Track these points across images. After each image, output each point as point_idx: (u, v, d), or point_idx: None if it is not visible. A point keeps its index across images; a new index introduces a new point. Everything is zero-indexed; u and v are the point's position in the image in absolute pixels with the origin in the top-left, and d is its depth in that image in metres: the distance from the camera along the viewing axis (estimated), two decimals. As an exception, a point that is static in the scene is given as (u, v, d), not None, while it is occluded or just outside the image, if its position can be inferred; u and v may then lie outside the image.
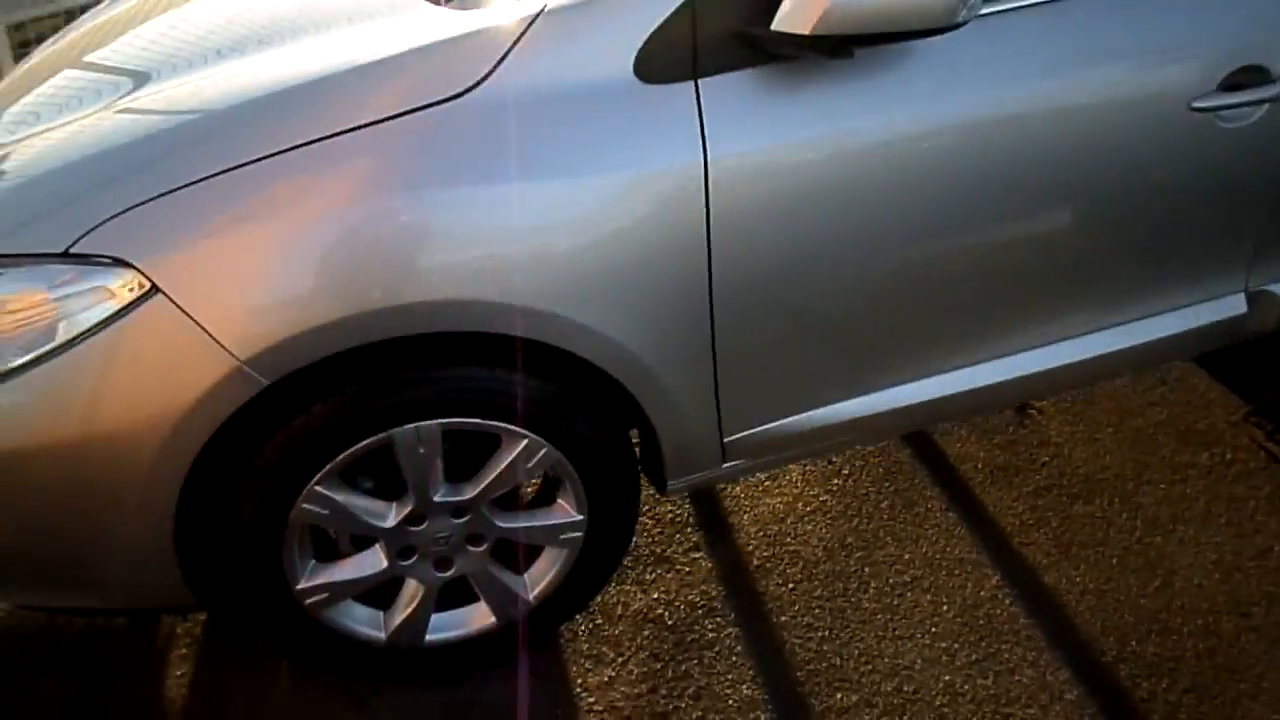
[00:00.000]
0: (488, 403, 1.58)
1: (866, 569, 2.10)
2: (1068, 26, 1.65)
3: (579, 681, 1.88)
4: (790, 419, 1.82)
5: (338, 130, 1.42)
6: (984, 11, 1.59)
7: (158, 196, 1.38)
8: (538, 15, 1.47)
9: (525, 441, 1.63)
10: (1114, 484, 2.35)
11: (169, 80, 1.65)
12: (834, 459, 2.41)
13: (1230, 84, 1.74)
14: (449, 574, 1.76)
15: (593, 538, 1.80)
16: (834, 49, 1.44)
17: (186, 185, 1.39)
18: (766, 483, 2.34)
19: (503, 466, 1.65)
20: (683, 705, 1.83)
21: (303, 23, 1.74)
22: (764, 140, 1.52)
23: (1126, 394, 2.67)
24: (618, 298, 1.53)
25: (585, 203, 1.48)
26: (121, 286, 1.37)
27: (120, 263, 1.36)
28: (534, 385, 1.59)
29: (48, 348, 1.38)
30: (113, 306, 1.37)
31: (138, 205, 1.38)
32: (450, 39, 1.48)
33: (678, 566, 2.11)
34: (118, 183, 1.40)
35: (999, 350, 1.90)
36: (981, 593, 2.04)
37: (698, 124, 1.49)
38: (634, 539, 2.14)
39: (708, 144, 1.49)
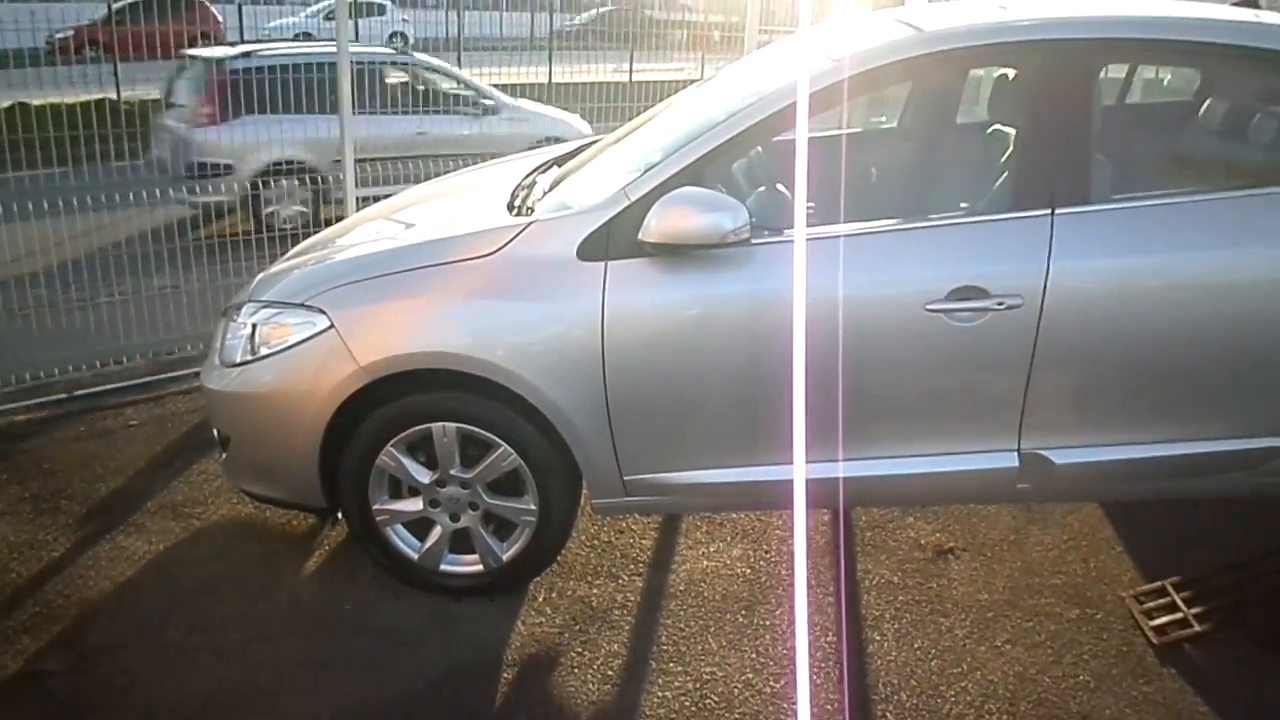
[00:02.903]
0: (484, 419, 2.89)
1: (740, 615, 3.05)
2: (833, 249, 2.73)
3: (524, 617, 3.02)
4: (676, 474, 2.92)
5: (435, 264, 2.89)
6: (757, 241, 2.73)
7: (346, 284, 2.92)
8: (531, 223, 2.88)
9: (502, 448, 2.91)
10: (976, 609, 3.08)
11: (385, 235, 3.25)
12: (768, 544, 3.37)
13: (956, 296, 2.69)
14: (457, 525, 3.03)
15: (542, 525, 2.99)
16: (669, 252, 2.69)
17: (361, 280, 2.92)
18: (705, 540, 3.35)
19: (489, 461, 2.93)
20: (577, 646, 2.90)
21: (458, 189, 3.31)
22: (637, 295, 2.77)
23: (1042, 551, 3.35)
24: (554, 369, 2.80)
25: (543, 316, 2.81)
26: (320, 322, 2.90)
27: (321, 311, 2.90)
28: (509, 414, 2.88)
29: (284, 345, 2.93)
30: (312, 330, 2.90)
31: (337, 287, 2.92)
32: (490, 228, 2.93)
33: (619, 580, 3.20)
34: (339, 278, 2.97)
35: (831, 454, 2.84)
36: (817, 648, 2.90)
37: (603, 283, 2.77)
38: (600, 562, 3.27)
39: (606, 293, 2.77)
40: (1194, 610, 3.02)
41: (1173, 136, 3.68)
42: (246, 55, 7.43)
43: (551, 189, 3.26)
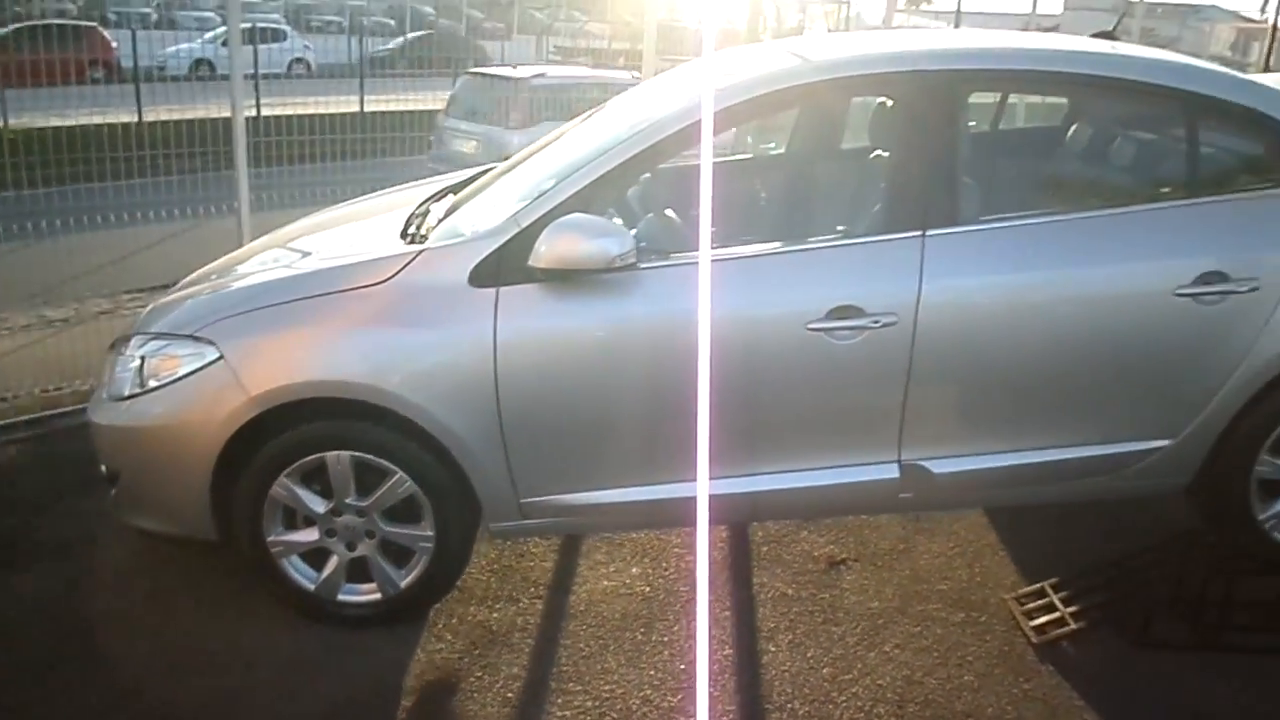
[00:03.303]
0: (378, 446, 2.89)
1: (639, 633, 3.10)
2: (721, 272, 2.83)
3: (423, 644, 3.02)
4: (571, 495, 2.96)
5: (326, 293, 2.89)
6: (645, 266, 2.81)
7: (236, 315, 2.90)
8: (423, 250, 2.91)
9: (398, 475, 2.91)
10: (866, 617, 3.18)
11: (279, 264, 3.24)
12: (667, 561, 3.43)
13: (834, 315, 2.81)
14: (354, 554, 3.02)
15: (439, 551, 3.00)
16: (559, 277, 2.75)
17: (251, 310, 2.90)
18: (605, 560, 3.40)
19: (385, 489, 2.93)
20: (477, 671, 2.91)
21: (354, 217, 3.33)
22: (529, 320, 2.81)
23: (930, 559, 3.48)
24: (448, 395, 2.82)
25: (436, 342, 2.83)
26: (209, 353, 2.87)
27: (210, 342, 2.87)
28: (404, 441, 2.89)
29: (173, 377, 2.90)
30: (202, 362, 2.87)
31: (227, 318, 2.90)
32: (382, 256, 2.94)
33: (520, 603, 3.22)
34: (229, 309, 2.94)
35: (724, 471, 2.91)
36: (714, 662, 2.96)
37: (495, 309, 2.81)
38: (501, 586, 3.29)
39: (498, 319, 2.80)
40: (1070, 609, 3.17)
41: (1040, 160, 3.88)
42: (541, 75, 10.16)
43: (445, 216, 3.30)
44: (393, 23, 18.14)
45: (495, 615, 3.16)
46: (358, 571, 3.06)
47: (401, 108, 9.47)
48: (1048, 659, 3.02)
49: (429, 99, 10.44)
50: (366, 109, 10.02)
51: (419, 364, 2.84)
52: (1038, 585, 3.31)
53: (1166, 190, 3.20)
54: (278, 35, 16.63)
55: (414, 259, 2.90)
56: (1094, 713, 2.81)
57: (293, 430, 2.89)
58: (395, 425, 2.87)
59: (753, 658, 2.99)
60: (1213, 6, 39.77)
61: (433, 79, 11.37)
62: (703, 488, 2.90)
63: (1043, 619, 3.16)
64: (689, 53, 11.39)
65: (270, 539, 3.00)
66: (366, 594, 3.07)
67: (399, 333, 2.85)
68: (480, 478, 2.91)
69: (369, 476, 2.95)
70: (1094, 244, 2.97)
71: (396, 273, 2.88)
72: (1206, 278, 2.91)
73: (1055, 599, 3.23)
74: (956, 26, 20.98)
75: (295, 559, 3.05)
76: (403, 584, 3.04)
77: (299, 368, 2.85)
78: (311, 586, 3.05)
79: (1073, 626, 3.11)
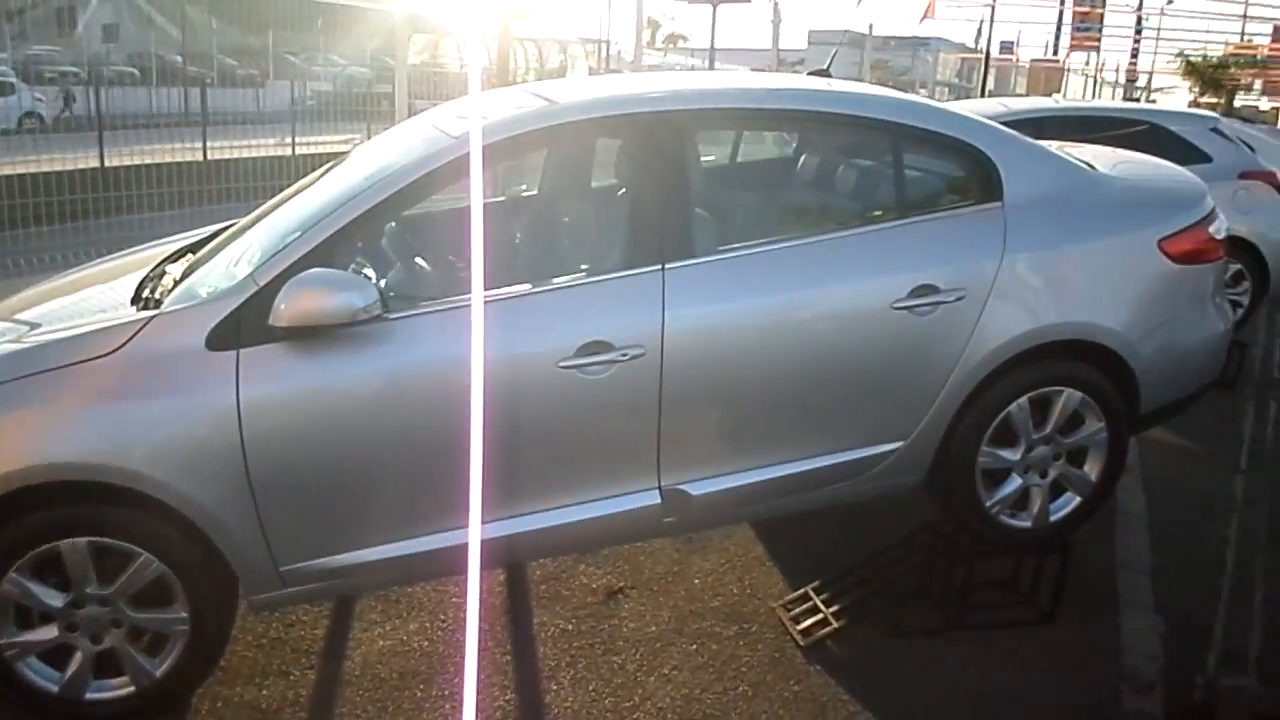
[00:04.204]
0: (118, 528, 2.71)
1: (419, 690, 3.04)
2: (467, 320, 2.84)
3: (185, 735, 2.85)
4: (334, 557, 2.87)
5: (50, 368, 2.69)
6: (394, 316, 2.80)
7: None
8: (155, 316, 2.77)
9: (144, 557, 2.74)
10: (645, 642, 3.25)
11: (3, 338, 2.98)
12: (445, 614, 3.38)
13: (584, 351, 2.88)
14: (100, 647, 2.80)
15: (196, 632, 2.83)
16: (303, 335, 2.68)
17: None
18: (380, 619, 3.32)
19: (130, 573, 2.75)
20: (245, 753, 2.77)
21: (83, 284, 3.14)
22: (274, 382, 2.73)
23: (703, 577, 3.60)
24: (192, 468, 2.68)
25: (175, 413, 2.69)
26: None
27: None
28: (147, 519, 2.72)
29: None
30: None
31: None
32: (110, 325, 2.78)
33: (290, 676, 3.10)
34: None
35: (492, 515, 2.91)
36: (496, 709, 2.94)
37: (236, 372, 2.71)
38: (269, 660, 3.15)
39: (241, 383, 2.70)
40: (832, 609, 3.37)
41: (773, 191, 4.14)
42: None
43: (183, 278, 3.15)
44: (137, 72, 17.15)
45: (264, 693, 3.01)
46: (107, 665, 2.85)
47: (151, 160, 8.99)
48: (815, 659, 3.19)
49: (182, 151, 9.91)
50: (110, 164, 9.41)
51: (158, 437, 2.68)
52: (802, 590, 3.50)
53: (880, 213, 3.48)
54: (4, 88, 15.29)
55: (144, 326, 2.75)
56: (860, 704, 3.00)
57: (18, 520, 2.66)
58: (135, 503, 2.70)
59: (536, 699, 2.99)
60: (939, 39, 43.85)
61: (181, 129, 10.79)
62: (475, 533, 2.89)
63: (808, 621, 3.34)
64: (451, 96, 11.39)
65: (2, 642, 2.74)
66: (119, 689, 2.86)
67: (134, 405, 2.69)
68: (234, 550, 2.78)
69: (111, 561, 2.76)
70: (820, 266, 3.19)
71: (126, 342, 2.72)
72: (919, 290, 3.19)
73: (818, 601, 3.42)
74: (711, 66, 22.04)
75: (34, 660, 2.80)
76: (159, 673, 2.85)
77: (22, 451, 2.63)
78: (55, 688, 2.80)
79: (835, 625, 3.30)
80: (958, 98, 28.69)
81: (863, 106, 3.48)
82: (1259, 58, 36.63)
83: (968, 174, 3.49)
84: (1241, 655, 3.37)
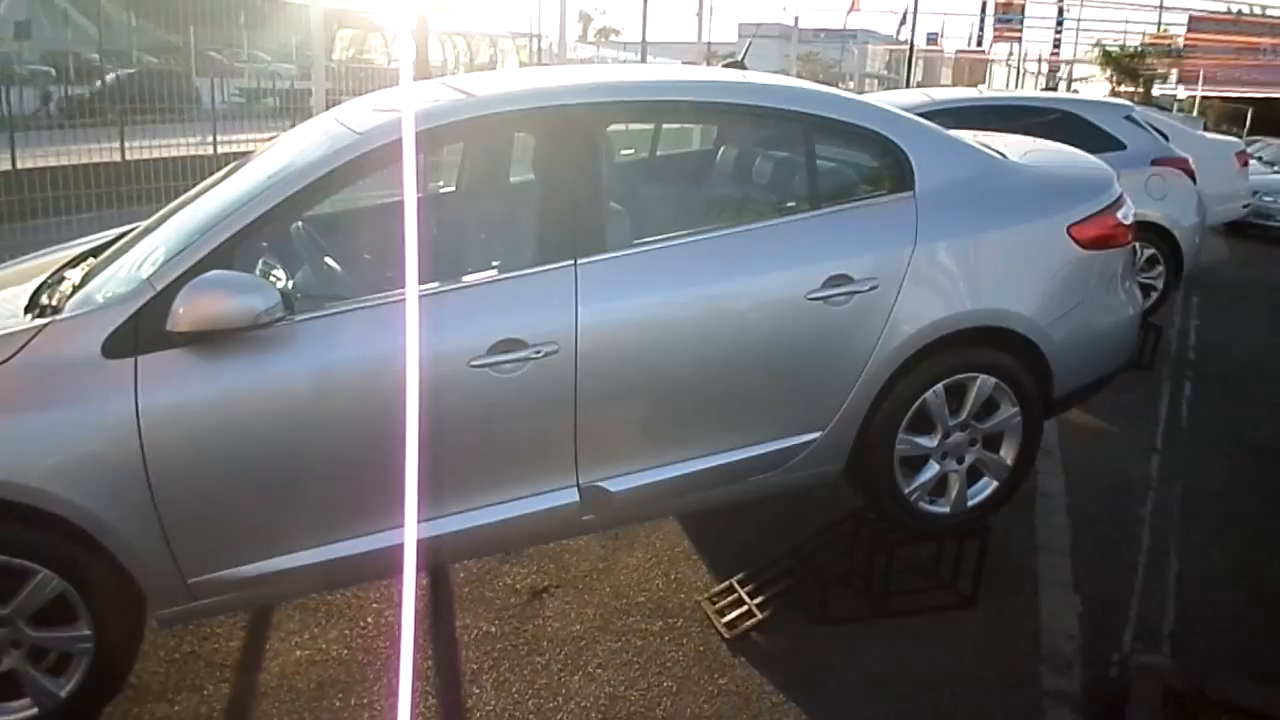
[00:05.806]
0: (11, 545, 2.60)
1: (337, 700, 2.98)
2: (384, 315, 2.79)
3: (91, 756, 2.75)
4: (245, 567, 2.80)
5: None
6: (301, 318, 2.74)
7: None
8: (48, 324, 2.67)
9: (42, 574, 2.63)
10: (569, 641, 3.22)
11: None
12: (364, 620, 3.32)
13: (497, 349, 2.84)
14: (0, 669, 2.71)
15: (101, 649, 2.74)
16: (204, 339, 2.60)
17: None
18: (298, 629, 3.25)
19: (27, 591, 2.64)
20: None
21: None
22: (174, 389, 2.64)
23: (629, 573, 3.58)
24: (91, 481, 2.58)
25: (70, 424, 2.59)
26: None
27: None
28: (42, 535, 2.62)
29: None
30: None
31: None
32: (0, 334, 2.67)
33: (204, 691, 3.01)
34: None
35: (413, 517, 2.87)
36: (418, 715, 2.89)
37: (134, 380, 2.62)
38: (181, 676, 3.06)
39: (140, 391, 2.61)
40: (756, 601, 3.37)
41: (690, 184, 4.13)
42: None
43: (82, 284, 3.04)
44: (53, 71, 16.59)
45: (176, 709, 2.93)
46: (8, 687, 2.74)
47: (66, 161, 8.71)
48: (740, 652, 3.19)
49: (96, 152, 9.60)
50: (22, 165, 9.10)
51: (53, 449, 2.58)
52: (727, 583, 3.50)
53: (794, 204, 3.49)
54: None
55: (36, 335, 2.64)
56: (785, 695, 3.01)
57: (-102, 546, 2.55)
58: (31, 518, 2.60)
59: (458, 703, 2.95)
60: (867, 31, 44.40)
61: (95, 129, 10.46)
62: (410, 535, 2.82)
63: (733, 614, 3.34)
64: (379, 90, 11.20)
65: (-89, 671, 2.63)
66: (20, 711, 2.74)
67: (25, 418, 2.59)
68: (137, 564, 2.69)
69: (8, 580, 2.65)
70: (735, 259, 3.18)
71: (17, 352, 2.61)
72: (833, 281, 3.20)
73: (742, 593, 3.42)
74: (643, 58, 22.02)
75: (-75, 688, 2.69)
76: (63, 693, 2.75)
77: None
78: (-52, 716, 2.70)
79: (759, 617, 3.30)
80: (886, 89, 29.11)
81: (774, 98, 3.48)
82: (1173, 48, 37.69)
83: (880, 164, 3.51)
84: (1156, 632, 3.46)
